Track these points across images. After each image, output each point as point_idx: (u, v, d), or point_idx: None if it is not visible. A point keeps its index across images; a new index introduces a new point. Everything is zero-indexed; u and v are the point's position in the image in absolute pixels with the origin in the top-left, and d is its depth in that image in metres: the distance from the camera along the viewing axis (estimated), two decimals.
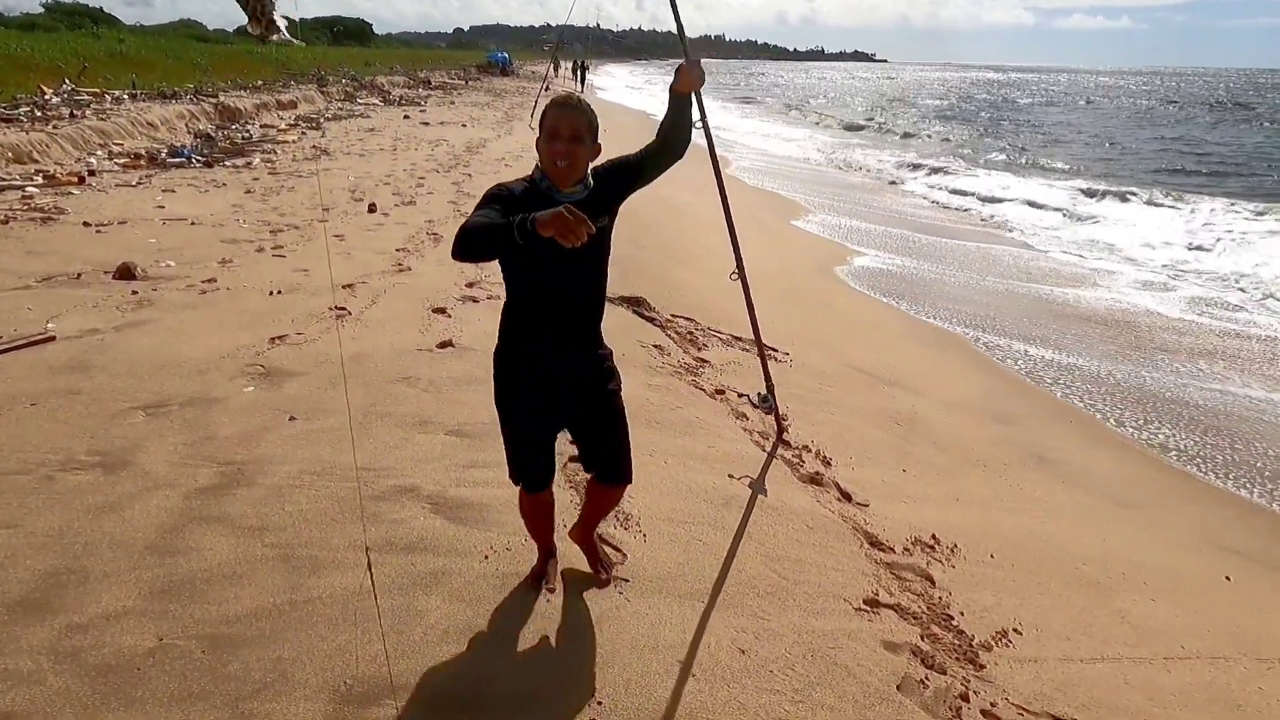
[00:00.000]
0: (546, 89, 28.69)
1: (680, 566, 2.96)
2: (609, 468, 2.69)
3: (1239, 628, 3.69)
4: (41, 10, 35.49)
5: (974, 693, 2.69)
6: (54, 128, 11.47)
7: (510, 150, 15.11)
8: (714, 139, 4.12)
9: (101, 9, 41.83)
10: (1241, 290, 10.03)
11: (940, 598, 3.27)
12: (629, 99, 45.08)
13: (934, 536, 3.75)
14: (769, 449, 4.37)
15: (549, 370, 2.45)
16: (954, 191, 16.92)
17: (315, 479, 3.23)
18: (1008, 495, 4.62)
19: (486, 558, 2.83)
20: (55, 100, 14.05)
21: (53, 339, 4.52)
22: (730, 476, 3.82)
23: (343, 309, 5.39)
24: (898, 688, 2.62)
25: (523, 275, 2.38)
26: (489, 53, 63.29)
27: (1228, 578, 4.13)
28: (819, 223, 12.51)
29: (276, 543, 2.81)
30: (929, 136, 29.45)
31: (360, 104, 24.20)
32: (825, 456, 4.42)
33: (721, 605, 2.81)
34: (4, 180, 9.10)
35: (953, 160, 22.11)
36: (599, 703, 2.26)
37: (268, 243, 7.14)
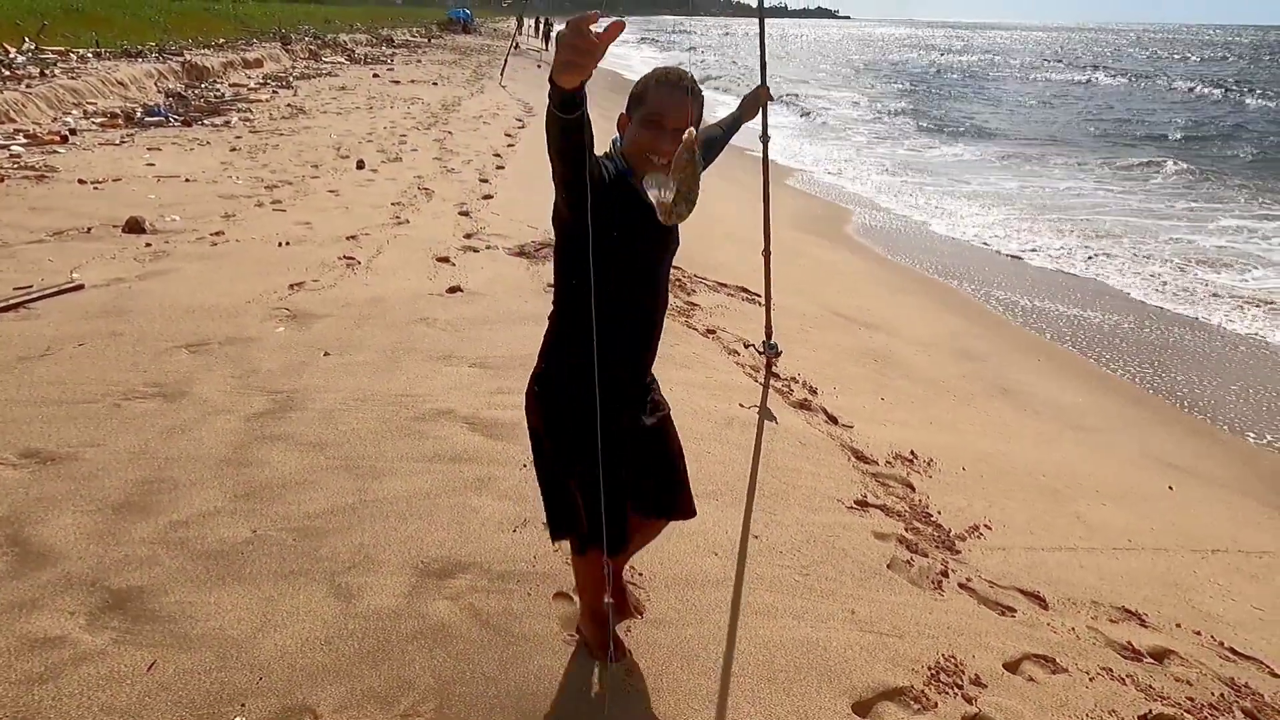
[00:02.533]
0: (516, 48, 28.49)
1: (696, 472, 3.32)
2: (670, 497, 2.26)
3: (1177, 526, 4.19)
4: None
5: (952, 570, 3.13)
6: (27, 87, 11.35)
7: (485, 109, 15.19)
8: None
9: None
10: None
11: (920, 500, 3.71)
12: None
13: (912, 452, 4.18)
14: (761, 380, 4.77)
15: (620, 400, 2.00)
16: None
17: (359, 404, 3.55)
18: (976, 420, 5.08)
19: (524, 466, 3.19)
20: (21, 59, 13.80)
21: (81, 287, 4.74)
22: (740, 405, 4.21)
23: (351, 258, 5.64)
24: (888, 566, 3.04)
25: (605, 281, 1.80)
26: (449, 10, 62.00)
27: (1170, 487, 4.63)
28: (801, 179, 12.84)
29: (337, 455, 3.13)
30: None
31: (327, 62, 23.87)
32: (811, 386, 4.82)
33: (733, 503, 3.21)
34: None
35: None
36: (640, 574, 2.64)
37: (265, 198, 7.32)
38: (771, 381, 4.76)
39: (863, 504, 3.52)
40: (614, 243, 1.83)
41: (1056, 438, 5.16)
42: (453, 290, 5.18)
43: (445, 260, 5.80)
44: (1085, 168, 15.49)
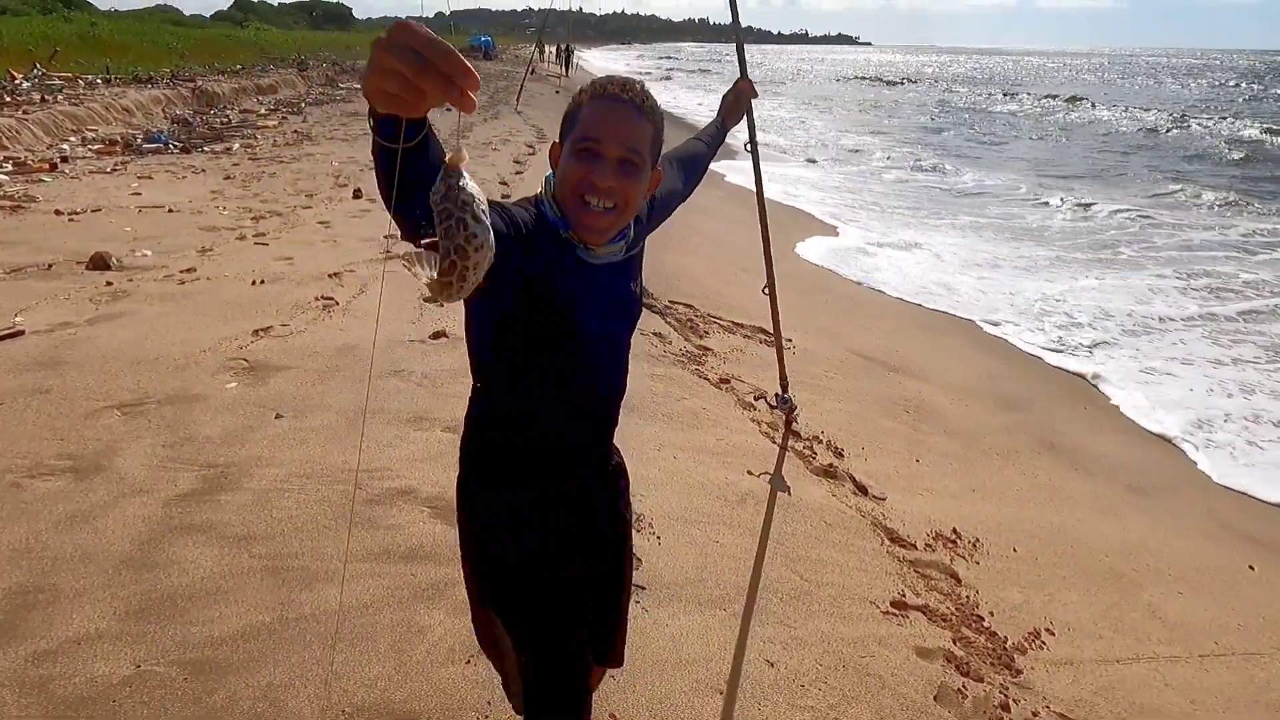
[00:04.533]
0: (532, 73, 28.30)
1: (698, 571, 2.78)
2: (604, 642, 1.69)
3: (1268, 620, 3.56)
4: None
5: (1014, 701, 2.53)
6: (24, 113, 11.09)
7: (496, 134, 14.82)
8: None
9: None
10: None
11: (968, 597, 3.12)
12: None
13: (955, 531, 3.59)
14: (779, 440, 4.20)
15: (563, 498, 1.53)
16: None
17: (305, 482, 3.02)
18: (1023, 485, 4.48)
19: None
20: (25, 85, 13.62)
21: (21, 333, 4.27)
22: (749, 473, 3.64)
23: (330, 298, 5.16)
24: (935, 698, 2.45)
25: (526, 376, 1.42)
26: (472, 37, 62.45)
27: (1251, 567, 4.00)
28: (817, 210, 12.32)
29: (264, 553, 2.60)
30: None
31: (343, 88, 23.73)
32: (837, 447, 4.25)
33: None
34: None
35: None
36: None
37: (249, 230, 6.88)
38: (791, 442, 4.19)
39: (901, 606, 2.93)
40: (548, 323, 1.34)
41: (1115, 504, 4.54)
42: (437, 336, 4.67)
43: (433, 300, 5.29)
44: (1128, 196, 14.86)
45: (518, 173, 11.10)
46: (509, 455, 1.48)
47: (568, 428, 1.49)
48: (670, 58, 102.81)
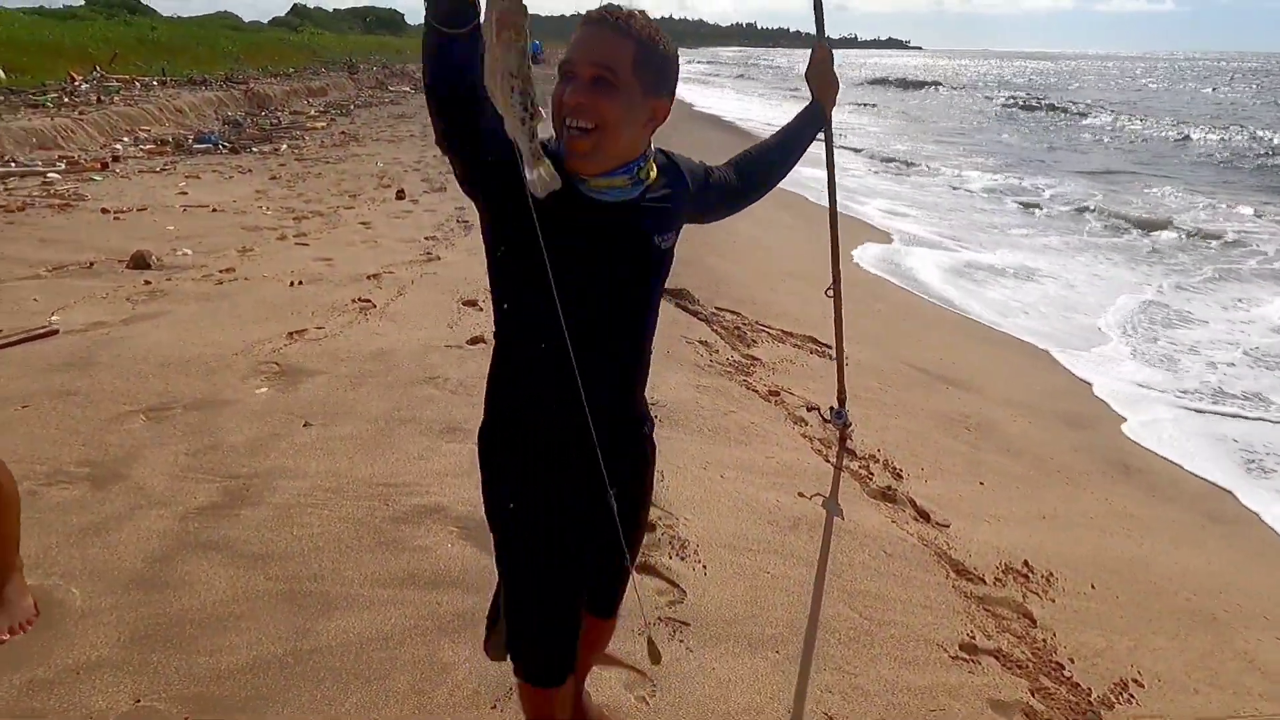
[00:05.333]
0: None
1: (748, 606, 2.54)
2: (606, 595, 1.74)
3: None
4: (83, 3, 35.78)
5: None
6: (80, 113, 11.27)
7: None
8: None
9: (140, 1, 42.01)
10: None
11: (1045, 640, 2.82)
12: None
13: (1026, 564, 3.29)
14: (833, 459, 3.93)
15: (579, 465, 1.47)
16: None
17: (329, 496, 2.85)
18: (1097, 511, 4.15)
19: None
20: (84, 87, 13.90)
21: (56, 333, 4.20)
22: (800, 495, 3.39)
23: (367, 300, 5.03)
24: None
25: (526, 304, 1.40)
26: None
27: None
28: (868, 214, 11.96)
29: (281, 575, 2.42)
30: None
31: (391, 91, 23.94)
32: (895, 468, 3.97)
33: (797, 655, 2.39)
34: (26, 166, 8.87)
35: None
36: None
37: (290, 230, 6.81)
38: (847, 461, 3.92)
39: (971, 649, 2.65)
40: (531, 243, 1.28)
41: (1198, 533, 4.19)
42: (474, 341, 4.49)
43: (472, 304, 5.13)
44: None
45: None
46: (519, 405, 1.48)
47: (572, 380, 1.37)
48: (711, 62, 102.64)
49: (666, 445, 3.71)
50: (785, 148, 1.77)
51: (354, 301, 4.99)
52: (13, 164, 8.97)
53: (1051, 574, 3.28)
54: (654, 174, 1.44)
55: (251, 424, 3.36)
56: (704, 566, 2.70)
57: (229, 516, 2.70)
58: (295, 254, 6.08)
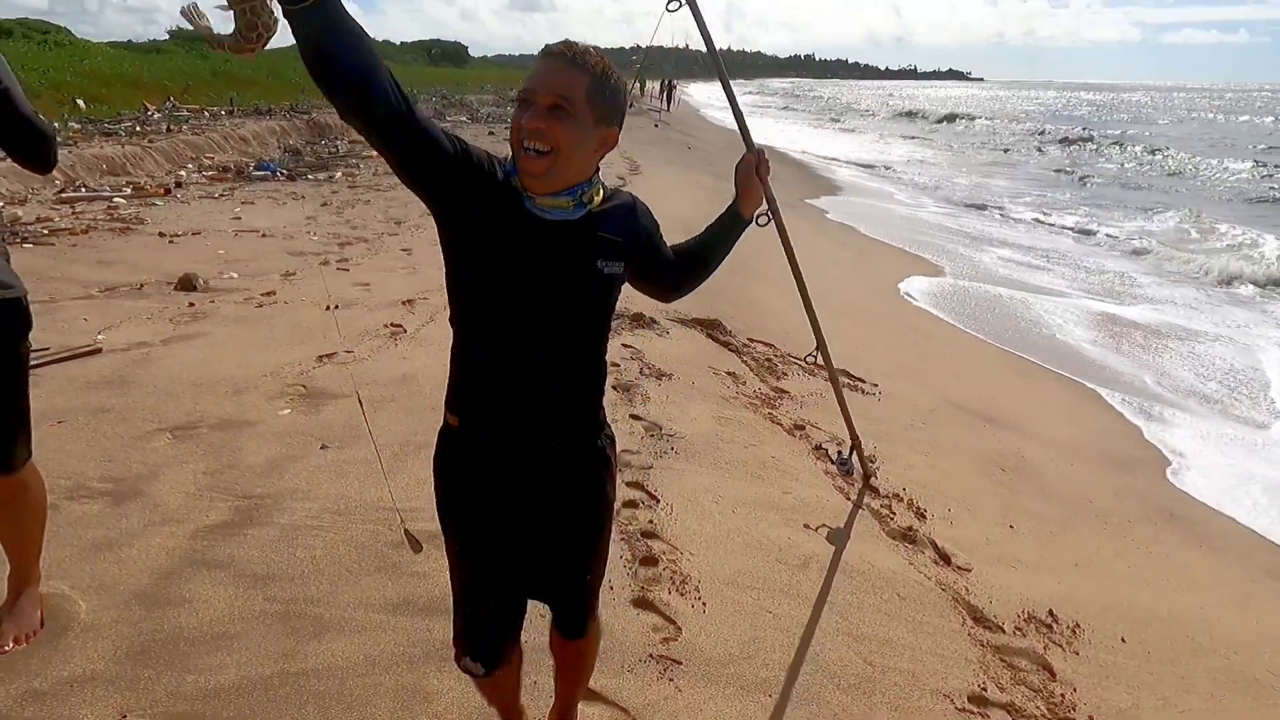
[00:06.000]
0: (630, 106, 28.65)
1: (745, 646, 2.48)
2: (568, 614, 1.78)
3: None
4: (167, 37, 37.69)
5: None
6: (149, 142, 11.80)
7: (622, 172, 14.89)
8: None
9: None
10: None
11: (1063, 695, 2.69)
12: (713, 115, 44.83)
13: (1051, 613, 3.16)
14: (855, 497, 3.84)
15: (522, 472, 1.59)
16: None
17: (335, 519, 2.88)
18: (1135, 561, 3.97)
19: None
20: (156, 116, 14.58)
21: (99, 351, 4.36)
22: (806, 526, 3.32)
23: (399, 326, 5.11)
24: None
25: (473, 318, 1.54)
26: None
27: None
28: (912, 243, 11.79)
29: (279, 596, 2.45)
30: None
31: (448, 120, 24.54)
32: (919, 508, 3.85)
33: (796, 700, 2.31)
34: (94, 191, 9.31)
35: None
36: None
37: (334, 255, 6.99)
38: (868, 499, 3.82)
39: (980, 702, 2.54)
40: (482, 252, 1.46)
41: (1246, 589, 3.97)
42: None
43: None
44: None
45: None
46: (466, 411, 1.57)
47: (512, 388, 1.53)
48: (760, 92, 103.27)
49: (679, 478, 3.69)
50: (711, 247, 1.85)
51: (386, 326, 5.08)
52: (82, 189, 9.42)
53: (1078, 625, 3.14)
54: (598, 199, 1.54)
55: (271, 445, 3.43)
56: (703, 604, 2.65)
57: (236, 536, 2.75)
58: (335, 279, 6.24)
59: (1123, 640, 3.12)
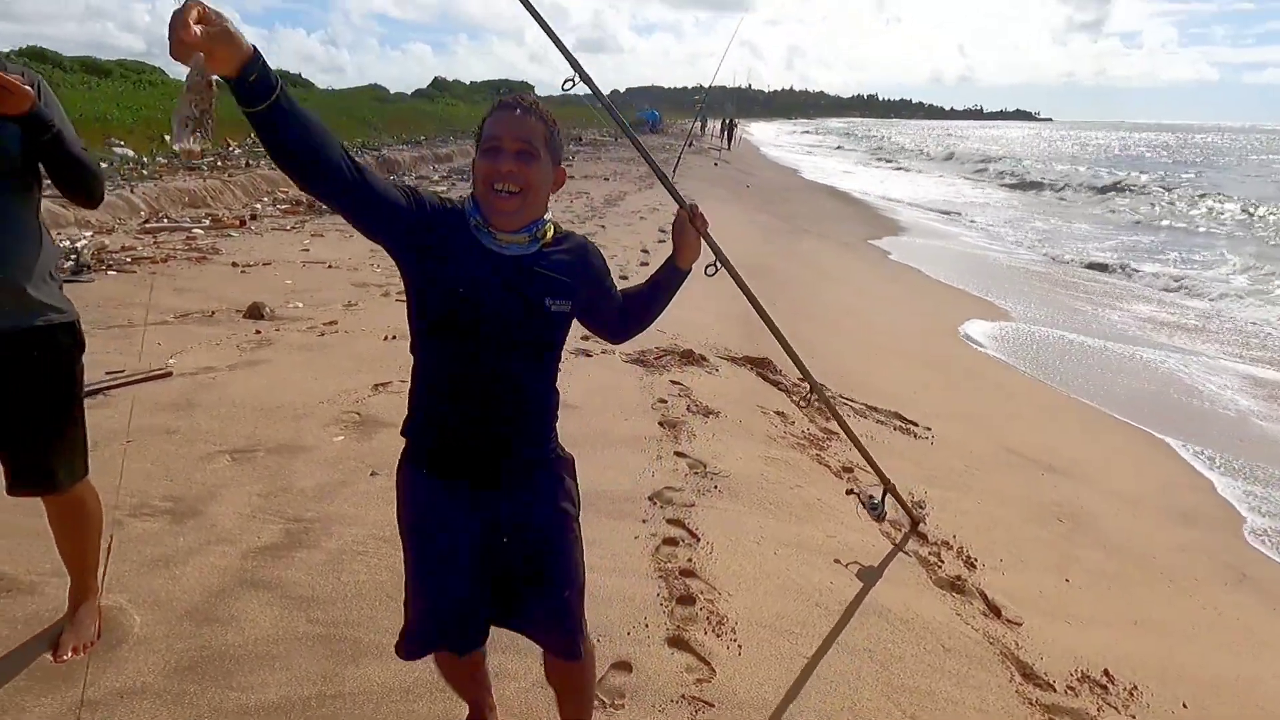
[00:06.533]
0: (690, 145, 28.98)
1: (779, 691, 2.44)
2: (556, 630, 1.82)
3: None
4: None
5: None
6: (229, 176, 12.38)
7: (647, 204, 15.08)
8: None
9: (301, 75, 46.32)
10: None
11: None
12: (771, 153, 45.01)
13: (1106, 673, 3.03)
14: (899, 541, 3.76)
15: (465, 492, 1.72)
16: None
17: (380, 545, 2.95)
18: (1201, 622, 3.78)
19: None
20: (237, 152, 15.29)
21: (169, 375, 4.57)
22: (836, 561, 3.27)
23: None
24: None
25: (429, 347, 1.69)
26: (640, 111, 65.04)
27: None
28: (975, 285, 11.59)
29: (321, 619, 2.51)
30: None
31: None
32: (969, 556, 3.75)
33: None
34: (175, 223, 9.80)
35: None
36: None
37: (394, 287, 7.19)
38: (916, 546, 3.74)
39: None
40: (440, 286, 1.62)
41: None
42: None
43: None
44: None
45: (661, 241, 11.17)
46: (419, 432, 1.73)
47: (460, 414, 1.67)
48: (816, 132, 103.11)
49: (721, 517, 3.67)
50: (652, 297, 1.94)
51: None
52: (165, 220, 9.92)
53: (1136, 687, 3.01)
54: (549, 235, 1.69)
55: (323, 470, 3.53)
56: (739, 646, 2.62)
57: (285, 558, 2.83)
58: (395, 310, 6.41)
59: (1184, 706, 2.98)
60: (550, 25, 2.19)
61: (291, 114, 1.39)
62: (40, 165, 2.08)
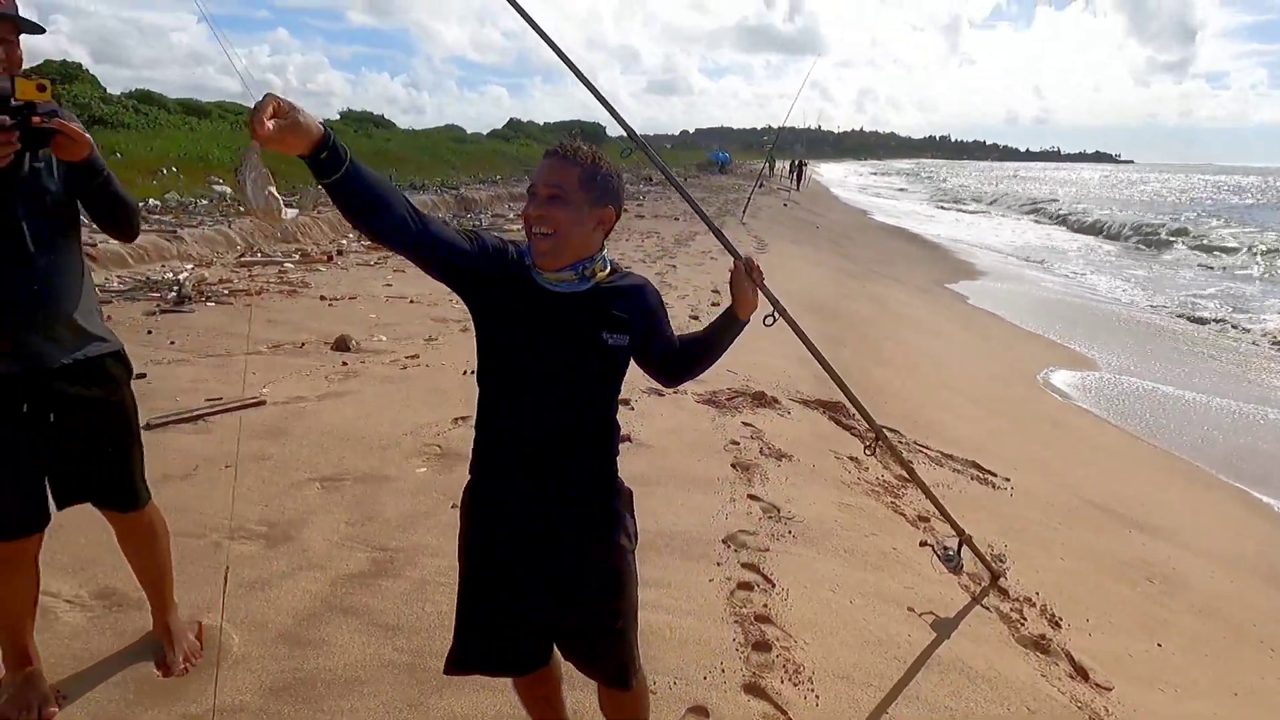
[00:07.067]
0: (760, 186, 29.11)
1: None
2: (608, 663, 1.88)
3: None
4: (337, 118, 41.65)
5: None
6: (318, 213, 12.96)
7: (717, 245, 15.14)
8: None
9: (384, 115, 48.49)
10: None
11: None
12: (840, 194, 44.82)
13: None
14: (978, 595, 3.66)
15: (522, 522, 1.80)
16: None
17: None
18: None
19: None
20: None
21: (263, 403, 4.79)
22: (909, 609, 3.20)
23: None
24: None
25: (491, 381, 1.82)
26: (710, 152, 65.69)
27: None
28: (1057, 331, 11.28)
29: (407, 648, 2.59)
30: None
31: None
32: (1053, 615, 3.63)
33: None
34: (268, 257, 10.29)
35: None
36: None
37: (471, 323, 7.40)
38: (997, 601, 3.64)
39: None
40: (499, 323, 1.77)
41: None
42: (621, 439, 4.64)
43: (624, 402, 5.32)
44: None
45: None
46: (481, 461, 1.86)
47: (521, 446, 1.78)
48: (883, 174, 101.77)
49: (796, 563, 3.63)
50: (709, 344, 1.99)
51: None
52: (259, 254, 10.44)
53: None
54: (601, 274, 1.77)
55: (407, 500, 3.65)
56: (816, 696, 2.59)
57: (371, 586, 2.93)
58: (472, 345, 6.57)
59: None
60: (608, 98, 2.41)
61: (360, 182, 1.54)
62: (79, 203, 2.16)
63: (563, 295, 1.73)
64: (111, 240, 2.10)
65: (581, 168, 1.70)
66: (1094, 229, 31.28)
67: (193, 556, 3.05)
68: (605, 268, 1.79)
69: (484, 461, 1.84)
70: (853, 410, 6.01)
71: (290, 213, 1.64)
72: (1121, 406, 7.97)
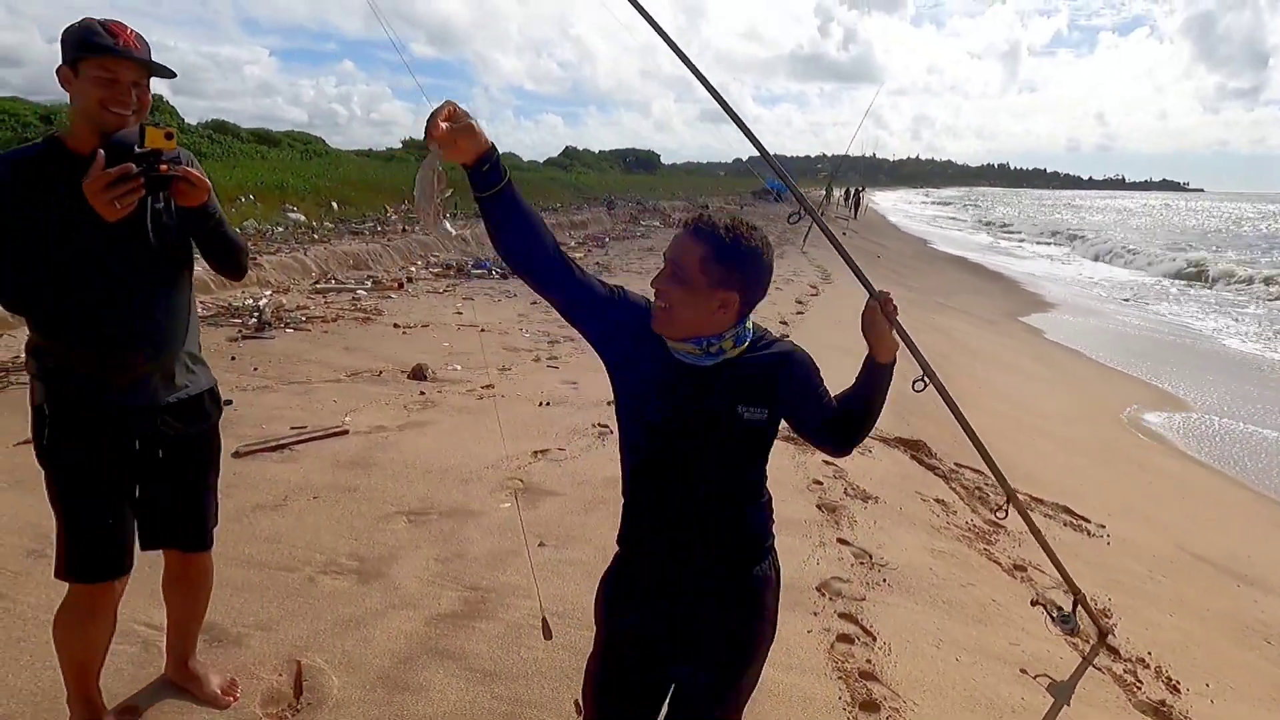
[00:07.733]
0: (820, 211, 28.90)
1: None
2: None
3: None
4: (400, 146, 42.75)
5: None
6: (388, 240, 13.23)
7: (780, 274, 15.01)
8: None
9: None
10: None
11: None
12: (902, 222, 44.24)
13: None
14: (1088, 654, 3.46)
15: (671, 601, 1.74)
16: None
17: (555, 621, 2.94)
18: None
19: None
20: (394, 217, 16.37)
21: (346, 433, 4.82)
22: (1022, 671, 3.02)
23: (605, 426, 5.30)
24: None
25: (630, 452, 1.76)
26: (767, 180, 65.52)
27: None
28: (1136, 366, 10.86)
29: (505, 695, 2.52)
30: None
31: (643, 225, 25.80)
32: (1170, 678, 3.41)
33: None
34: (341, 284, 10.50)
35: None
36: None
37: (544, 353, 7.41)
38: (1108, 662, 3.43)
39: None
40: (629, 386, 1.73)
41: None
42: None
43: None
44: None
45: (799, 312, 11.08)
46: (627, 536, 1.81)
47: (661, 520, 1.73)
48: (935, 202, 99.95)
49: (894, 613, 3.49)
50: (865, 399, 1.77)
51: (594, 426, 5.28)
52: (333, 281, 10.66)
53: None
54: (733, 350, 1.67)
55: (493, 537, 3.61)
56: None
57: (466, 627, 2.88)
58: (546, 376, 6.59)
59: None
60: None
61: (517, 202, 1.56)
62: (192, 242, 2.17)
63: (689, 365, 1.66)
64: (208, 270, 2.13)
65: (708, 245, 1.59)
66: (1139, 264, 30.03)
67: (288, 591, 3.05)
68: (741, 343, 1.67)
69: (628, 538, 1.81)
70: (936, 449, 5.84)
71: (447, 225, 1.67)
72: (1216, 449, 7.58)
